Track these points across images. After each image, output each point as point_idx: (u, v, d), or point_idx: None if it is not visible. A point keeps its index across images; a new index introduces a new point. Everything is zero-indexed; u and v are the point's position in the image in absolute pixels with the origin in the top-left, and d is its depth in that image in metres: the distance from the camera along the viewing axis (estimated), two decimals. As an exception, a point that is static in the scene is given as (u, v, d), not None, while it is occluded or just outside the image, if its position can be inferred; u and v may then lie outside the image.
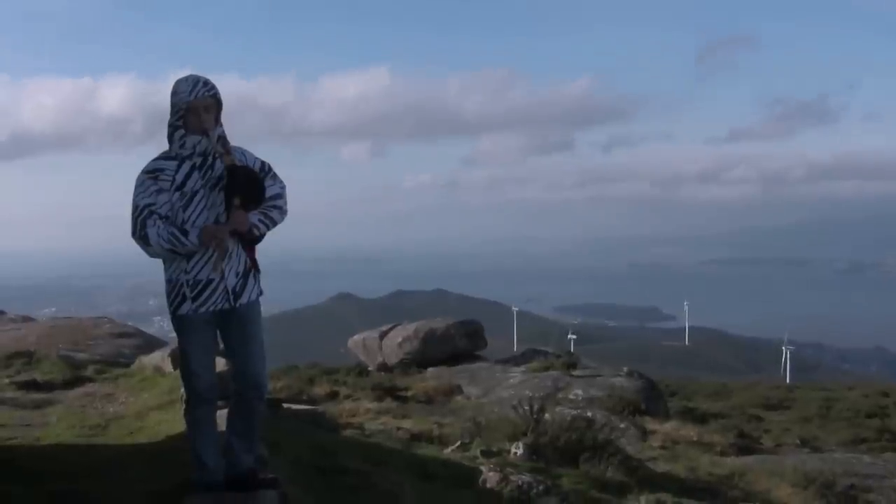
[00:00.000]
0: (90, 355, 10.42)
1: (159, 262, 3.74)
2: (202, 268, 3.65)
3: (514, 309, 79.20)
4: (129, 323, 15.44)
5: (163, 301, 3.80)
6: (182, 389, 4.03)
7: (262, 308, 3.90)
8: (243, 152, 3.78)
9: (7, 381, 8.43)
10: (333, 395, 11.82)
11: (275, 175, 3.84)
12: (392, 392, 12.56)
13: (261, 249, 3.90)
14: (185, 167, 3.63)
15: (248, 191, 3.64)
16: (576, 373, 14.28)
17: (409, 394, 12.89)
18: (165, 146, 3.71)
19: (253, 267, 3.80)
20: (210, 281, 3.65)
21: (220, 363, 4.15)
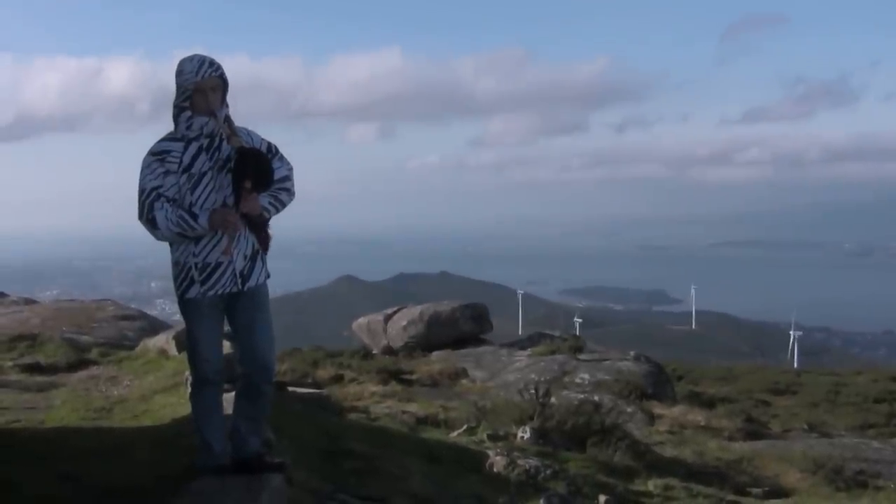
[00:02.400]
0: (94, 338, 10.38)
1: (161, 244, 3.70)
2: (211, 251, 3.60)
3: (520, 292, 79.22)
4: (133, 306, 15.41)
5: (166, 284, 3.76)
6: (188, 372, 3.99)
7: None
8: (249, 133, 3.73)
9: (10, 363, 8.41)
10: (338, 379, 11.81)
11: (282, 156, 3.79)
12: (397, 375, 12.55)
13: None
14: (192, 149, 3.58)
15: (258, 174, 3.59)
16: (582, 356, 14.24)
17: (414, 377, 12.88)
18: (171, 126, 3.65)
19: (262, 249, 3.75)
20: (219, 264, 3.61)
21: (227, 346, 4.11)
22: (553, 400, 8.07)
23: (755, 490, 7.45)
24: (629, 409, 10.17)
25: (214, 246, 3.60)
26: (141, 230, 3.63)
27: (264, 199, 3.63)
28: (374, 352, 16.81)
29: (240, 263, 3.65)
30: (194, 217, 3.53)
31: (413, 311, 17.06)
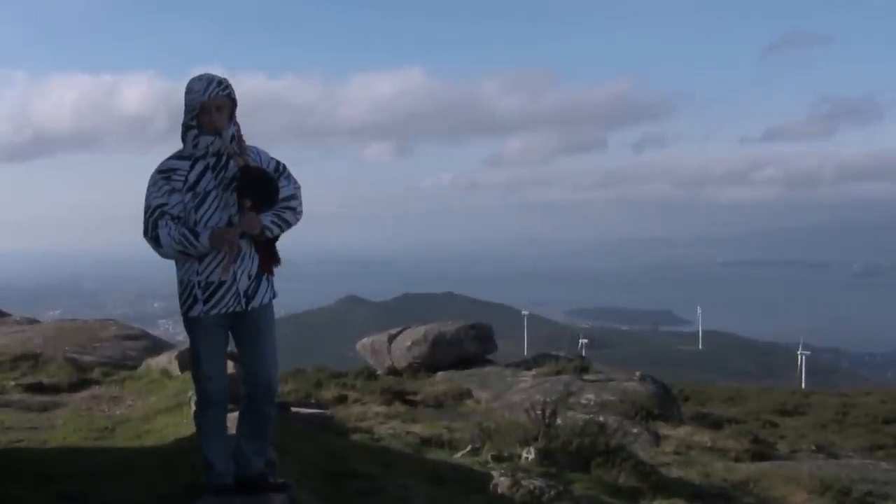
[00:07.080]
0: (96, 357, 10.40)
1: (165, 264, 3.71)
2: (214, 269, 3.61)
3: (524, 313, 78.97)
4: (136, 325, 15.40)
5: (168, 303, 3.78)
6: (192, 392, 3.99)
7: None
8: (258, 152, 3.74)
9: (13, 383, 8.43)
10: (342, 399, 11.77)
11: (289, 175, 3.79)
12: (401, 396, 12.49)
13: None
14: (198, 167, 3.61)
15: (261, 192, 3.60)
16: (588, 377, 14.14)
17: (419, 398, 12.82)
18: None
19: (266, 269, 3.74)
20: (222, 283, 3.61)
21: (231, 365, 4.10)
22: (558, 420, 8.01)
23: (762, 512, 7.37)
24: (635, 430, 10.08)
25: (218, 265, 3.60)
26: (145, 249, 3.64)
27: (266, 218, 3.63)
28: (378, 372, 16.74)
29: (244, 283, 3.65)
30: (196, 235, 3.54)
31: (417, 332, 17.00)
